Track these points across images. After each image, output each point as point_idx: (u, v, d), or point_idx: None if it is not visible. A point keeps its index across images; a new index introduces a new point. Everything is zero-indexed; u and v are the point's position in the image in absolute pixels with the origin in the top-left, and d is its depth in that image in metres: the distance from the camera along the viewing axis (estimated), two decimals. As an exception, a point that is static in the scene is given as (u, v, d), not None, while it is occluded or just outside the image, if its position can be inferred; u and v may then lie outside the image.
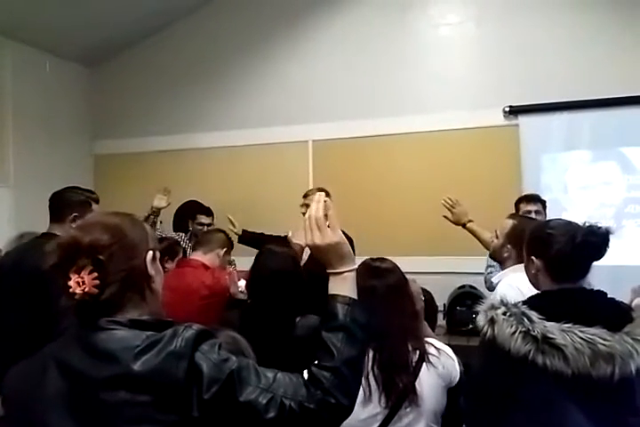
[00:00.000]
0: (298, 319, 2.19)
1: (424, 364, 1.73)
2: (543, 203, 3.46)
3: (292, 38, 4.86)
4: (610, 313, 1.50)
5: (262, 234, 4.02)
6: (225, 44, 4.99)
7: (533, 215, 3.20)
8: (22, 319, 2.19)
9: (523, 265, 1.87)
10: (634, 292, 2.03)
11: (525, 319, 1.45)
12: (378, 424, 1.69)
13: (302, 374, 1.08)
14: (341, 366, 1.06)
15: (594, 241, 1.54)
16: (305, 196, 3.74)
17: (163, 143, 5.09)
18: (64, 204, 2.44)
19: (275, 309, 2.19)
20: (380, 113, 4.55)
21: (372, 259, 1.95)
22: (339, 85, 4.69)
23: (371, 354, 1.71)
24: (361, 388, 1.64)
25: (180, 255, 3.41)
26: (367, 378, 1.68)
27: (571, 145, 4.19)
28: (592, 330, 1.42)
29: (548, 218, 3.03)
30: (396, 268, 1.90)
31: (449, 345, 1.88)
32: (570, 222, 1.64)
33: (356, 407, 1.65)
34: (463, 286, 3.99)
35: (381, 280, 1.82)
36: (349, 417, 1.66)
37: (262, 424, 1.00)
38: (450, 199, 3.38)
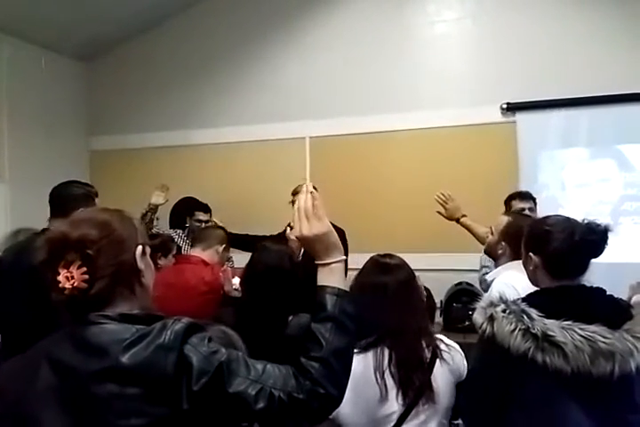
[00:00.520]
0: (290, 318, 2.18)
1: (437, 360, 1.73)
2: (535, 200, 3.46)
3: (289, 34, 4.84)
4: (609, 310, 1.49)
5: (247, 235, 3.98)
6: (222, 40, 4.96)
7: (527, 213, 3.20)
8: (24, 317, 2.17)
9: (516, 262, 1.88)
10: (632, 289, 2.03)
11: (525, 317, 1.45)
12: (394, 422, 1.69)
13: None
14: (330, 356, 1.06)
15: (593, 238, 1.54)
16: (294, 193, 3.73)
17: (159, 139, 5.07)
18: (68, 198, 2.40)
19: (267, 306, 2.18)
20: (378, 110, 4.54)
21: (379, 255, 1.94)
22: (336, 82, 4.67)
23: (386, 352, 1.71)
24: (377, 386, 1.67)
25: (174, 252, 3.39)
26: (383, 376, 1.68)
27: (568, 142, 4.19)
28: (592, 328, 1.41)
29: (539, 215, 3.04)
30: (404, 263, 1.90)
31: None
32: (568, 219, 1.63)
33: (372, 407, 1.67)
34: (460, 283, 3.99)
35: (392, 276, 1.81)
36: (365, 416, 1.66)
37: (252, 415, 1.02)
38: (443, 195, 3.38)
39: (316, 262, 1.18)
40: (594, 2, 4.15)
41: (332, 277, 1.16)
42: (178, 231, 4.15)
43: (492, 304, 1.54)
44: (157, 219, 3.92)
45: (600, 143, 4.13)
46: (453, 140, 4.39)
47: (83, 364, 1.02)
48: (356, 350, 1.70)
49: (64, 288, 1.03)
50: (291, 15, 4.83)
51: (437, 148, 4.43)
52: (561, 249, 1.56)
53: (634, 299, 1.85)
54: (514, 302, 1.53)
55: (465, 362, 1.79)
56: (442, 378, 1.72)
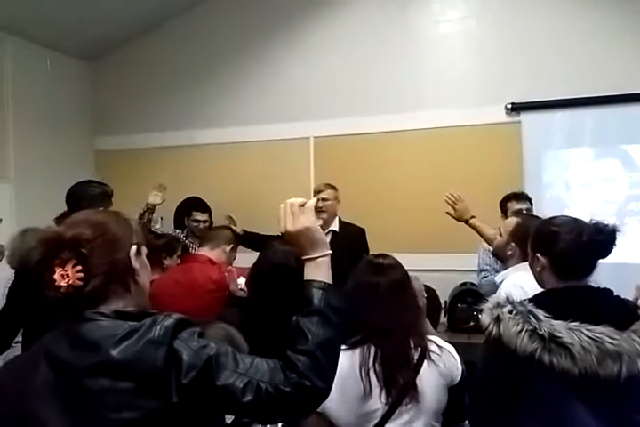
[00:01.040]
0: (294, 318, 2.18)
1: (425, 361, 1.73)
2: (531, 201, 3.46)
3: (291, 34, 4.84)
4: (616, 311, 1.49)
5: (258, 234, 3.99)
6: (225, 40, 4.97)
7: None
8: (42, 318, 2.16)
9: (526, 264, 1.87)
10: (638, 290, 2.02)
11: (532, 318, 1.44)
12: (377, 420, 1.69)
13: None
14: (316, 349, 1.08)
15: (600, 239, 1.54)
16: (318, 191, 3.75)
17: (164, 139, 5.07)
18: (85, 197, 2.39)
19: (273, 305, 2.18)
20: (382, 110, 4.54)
21: (374, 255, 1.97)
22: (340, 82, 4.67)
23: (372, 350, 1.72)
24: (361, 383, 1.68)
25: (179, 252, 3.39)
26: (368, 374, 1.69)
27: (573, 142, 4.19)
28: (599, 329, 1.41)
29: (547, 216, 3.03)
30: (398, 264, 1.91)
31: (450, 342, 1.88)
32: (576, 220, 1.63)
33: (356, 403, 1.68)
34: (464, 284, 3.99)
35: (384, 276, 1.82)
36: (349, 412, 1.67)
37: (240, 408, 1.04)
38: (452, 195, 3.38)
39: (303, 257, 1.20)
40: (599, 2, 4.15)
41: (319, 271, 1.18)
42: (177, 231, 4.15)
43: (499, 305, 1.53)
44: (161, 219, 3.93)
45: (605, 143, 4.12)
46: (457, 141, 4.38)
47: (77, 359, 1.04)
48: (343, 347, 1.71)
49: (60, 286, 1.06)
50: (293, 16, 4.83)
51: (441, 148, 4.43)
52: (568, 250, 1.56)
53: (641, 300, 1.84)
54: (520, 302, 1.52)
55: (459, 366, 1.79)
56: (429, 379, 1.72)
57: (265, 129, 4.78)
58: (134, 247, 1.16)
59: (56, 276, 1.06)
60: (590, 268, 1.59)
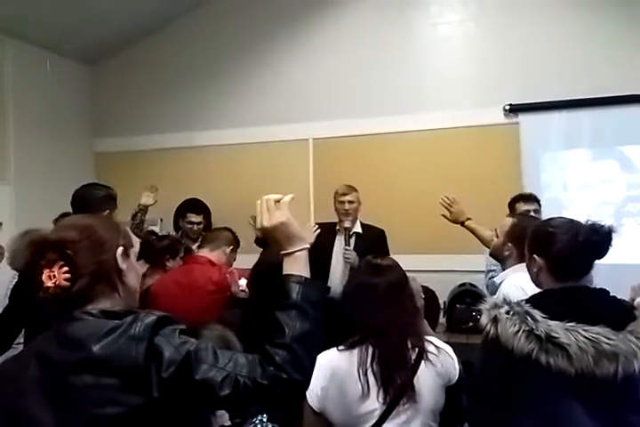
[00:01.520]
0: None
1: (422, 361, 1.74)
2: (539, 202, 3.46)
3: (292, 36, 4.86)
4: (613, 312, 1.50)
5: None
6: (226, 42, 4.99)
7: (532, 215, 3.20)
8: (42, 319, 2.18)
9: (524, 264, 1.88)
10: (633, 290, 2.03)
11: (529, 318, 1.46)
12: (375, 420, 1.70)
13: None
14: (292, 342, 1.09)
15: (596, 240, 1.54)
16: (344, 194, 3.73)
17: (163, 141, 5.09)
18: (91, 200, 2.39)
19: (272, 305, 2.19)
20: (380, 111, 4.56)
21: (372, 256, 1.97)
22: (339, 84, 4.69)
23: (370, 350, 1.73)
24: (359, 383, 1.69)
25: (182, 253, 3.40)
26: (366, 374, 1.70)
27: (571, 143, 4.20)
28: (596, 329, 1.42)
29: (545, 217, 3.03)
30: (396, 265, 1.92)
31: (448, 343, 1.89)
32: (572, 221, 1.64)
33: (353, 403, 1.69)
34: (463, 284, 4.00)
35: (382, 278, 1.83)
36: (347, 412, 1.68)
37: (218, 401, 1.05)
38: (447, 198, 3.38)
39: (281, 252, 1.22)
40: (596, 4, 4.16)
41: (297, 265, 1.21)
42: (171, 233, 4.15)
43: (496, 306, 1.54)
44: (161, 220, 3.93)
45: (603, 144, 4.14)
46: (456, 142, 4.40)
47: (63, 357, 1.08)
48: (341, 348, 1.75)
49: (48, 287, 1.10)
50: (293, 18, 4.85)
51: (440, 149, 4.45)
52: (565, 251, 1.57)
53: (637, 300, 1.85)
54: (517, 303, 1.53)
55: (457, 366, 1.80)
56: (426, 379, 1.73)
57: (264, 130, 4.80)
58: (120, 249, 1.19)
59: (44, 277, 1.10)
60: (587, 268, 1.59)
